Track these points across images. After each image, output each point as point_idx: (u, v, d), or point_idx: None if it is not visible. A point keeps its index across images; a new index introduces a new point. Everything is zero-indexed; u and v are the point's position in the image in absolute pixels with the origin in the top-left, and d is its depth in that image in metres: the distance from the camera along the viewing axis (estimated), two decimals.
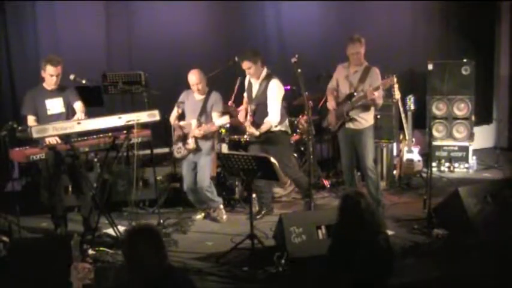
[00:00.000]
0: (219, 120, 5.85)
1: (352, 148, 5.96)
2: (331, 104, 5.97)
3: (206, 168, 5.96)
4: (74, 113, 5.55)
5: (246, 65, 5.87)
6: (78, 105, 5.56)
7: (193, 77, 5.87)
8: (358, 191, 3.83)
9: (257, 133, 5.83)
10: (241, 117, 6.13)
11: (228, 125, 6.30)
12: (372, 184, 5.88)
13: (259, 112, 5.93)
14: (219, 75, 6.55)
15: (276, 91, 5.85)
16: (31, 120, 5.45)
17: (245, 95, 6.21)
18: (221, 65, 6.68)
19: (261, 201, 6.24)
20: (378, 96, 5.69)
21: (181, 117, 6.09)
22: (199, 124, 5.88)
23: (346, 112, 5.83)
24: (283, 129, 6.01)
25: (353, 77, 5.87)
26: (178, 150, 6.05)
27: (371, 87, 5.70)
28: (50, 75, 5.42)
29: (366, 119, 5.85)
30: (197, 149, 5.93)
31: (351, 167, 6.08)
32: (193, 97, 6.01)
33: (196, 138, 5.90)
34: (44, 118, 5.41)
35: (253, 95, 6.01)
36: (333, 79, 6.09)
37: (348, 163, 6.05)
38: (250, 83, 6.10)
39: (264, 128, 5.84)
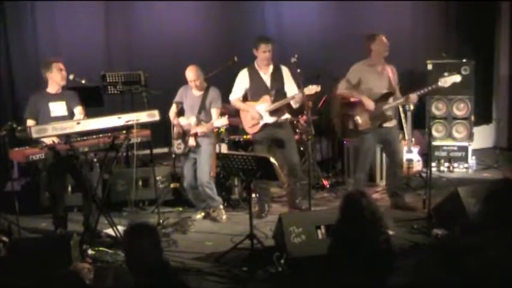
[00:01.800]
0: (218, 122, 5.87)
1: (376, 149, 6.13)
2: (370, 105, 5.94)
3: (206, 164, 5.97)
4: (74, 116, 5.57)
5: (269, 47, 5.89)
6: (78, 110, 5.60)
7: (191, 73, 5.89)
8: (360, 190, 3.83)
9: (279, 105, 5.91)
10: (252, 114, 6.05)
11: (226, 125, 6.30)
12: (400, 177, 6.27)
13: (278, 98, 5.95)
14: (218, 75, 6.55)
15: (290, 73, 5.97)
16: (30, 123, 5.45)
17: (242, 91, 6.09)
18: (221, 65, 6.68)
19: (263, 199, 6.24)
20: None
21: (181, 112, 6.11)
22: (198, 121, 5.90)
23: (387, 111, 5.95)
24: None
25: (384, 75, 5.98)
26: (178, 146, 6.08)
27: (397, 85, 6.03)
28: (60, 70, 5.50)
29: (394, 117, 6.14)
30: (197, 146, 5.95)
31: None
32: (191, 93, 6.02)
33: (195, 136, 5.92)
34: (47, 120, 5.40)
35: (268, 84, 5.97)
36: (352, 78, 6.05)
37: (370, 164, 6.27)
38: (256, 75, 6.01)
39: (285, 100, 5.91)
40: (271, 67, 6.00)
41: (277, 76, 5.99)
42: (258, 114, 5.98)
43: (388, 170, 6.41)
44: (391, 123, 6.05)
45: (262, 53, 5.90)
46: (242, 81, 6.07)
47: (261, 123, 5.99)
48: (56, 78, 5.52)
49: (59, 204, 5.65)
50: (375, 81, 5.97)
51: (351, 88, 6.03)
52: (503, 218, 3.02)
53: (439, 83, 6.00)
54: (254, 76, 6.03)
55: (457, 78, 5.98)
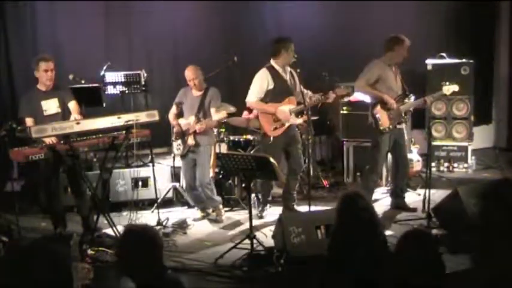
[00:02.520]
0: (217, 116, 5.90)
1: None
2: (393, 104, 5.93)
3: (206, 165, 5.97)
4: (69, 112, 5.57)
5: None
6: (72, 105, 5.58)
7: (189, 72, 5.90)
8: (357, 191, 3.82)
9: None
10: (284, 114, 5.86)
11: (225, 120, 6.28)
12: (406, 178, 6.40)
13: (300, 100, 5.95)
14: (218, 75, 6.55)
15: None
16: (29, 122, 5.43)
17: (261, 91, 5.85)
18: (221, 65, 6.68)
19: (263, 199, 6.24)
20: None
21: (180, 114, 6.11)
22: (198, 120, 5.90)
23: (405, 113, 6.02)
24: None
25: (397, 77, 6.03)
26: (177, 147, 6.08)
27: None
28: (45, 71, 5.43)
29: None
30: (196, 145, 5.95)
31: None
32: (191, 94, 6.03)
33: (195, 135, 5.92)
34: (40, 119, 5.40)
35: (290, 85, 5.91)
36: (372, 75, 5.95)
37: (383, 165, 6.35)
38: (279, 76, 5.88)
39: (313, 102, 5.96)
40: (288, 68, 5.96)
41: (293, 77, 5.98)
42: (288, 115, 5.84)
43: (394, 170, 6.37)
44: (403, 125, 6.11)
45: (292, 52, 5.82)
46: (265, 82, 5.83)
47: (287, 124, 5.87)
48: (41, 79, 5.49)
49: (58, 204, 5.65)
50: (393, 81, 5.99)
51: (370, 85, 5.95)
52: (502, 218, 3.02)
53: (443, 91, 6.25)
54: (277, 77, 5.87)
55: (455, 87, 6.27)
